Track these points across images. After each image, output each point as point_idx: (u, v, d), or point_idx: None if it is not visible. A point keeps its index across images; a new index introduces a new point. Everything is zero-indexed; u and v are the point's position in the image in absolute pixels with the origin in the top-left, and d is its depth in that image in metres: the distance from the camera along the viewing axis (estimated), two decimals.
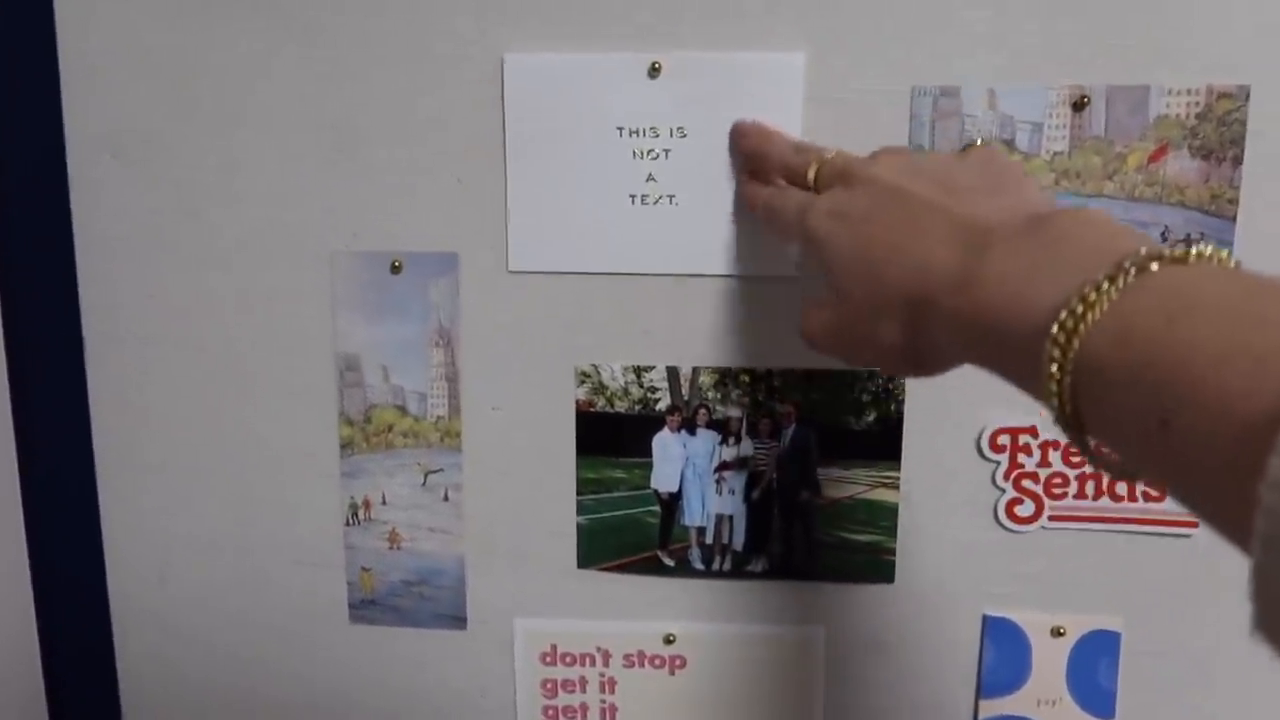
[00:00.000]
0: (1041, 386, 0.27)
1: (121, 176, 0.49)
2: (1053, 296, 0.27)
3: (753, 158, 0.44)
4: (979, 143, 0.44)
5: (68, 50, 0.48)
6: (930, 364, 0.35)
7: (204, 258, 0.49)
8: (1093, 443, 0.28)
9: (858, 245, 0.35)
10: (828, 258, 0.36)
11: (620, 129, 0.45)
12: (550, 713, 0.51)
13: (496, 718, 0.52)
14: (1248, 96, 0.43)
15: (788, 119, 0.45)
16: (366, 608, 0.51)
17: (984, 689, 0.49)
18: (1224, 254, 0.27)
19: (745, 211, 0.45)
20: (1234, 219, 0.44)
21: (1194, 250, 0.27)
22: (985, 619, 0.49)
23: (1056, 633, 0.48)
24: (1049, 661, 0.48)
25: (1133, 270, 0.26)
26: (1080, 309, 0.26)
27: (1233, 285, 0.25)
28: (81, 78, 0.48)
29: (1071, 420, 0.27)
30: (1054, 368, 0.27)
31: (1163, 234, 0.45)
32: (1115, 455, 0.27)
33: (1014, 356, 0.29)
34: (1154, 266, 0.26)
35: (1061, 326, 0.26)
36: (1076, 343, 0.26)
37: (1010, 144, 0.44)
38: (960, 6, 0.43)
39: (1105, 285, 0.26)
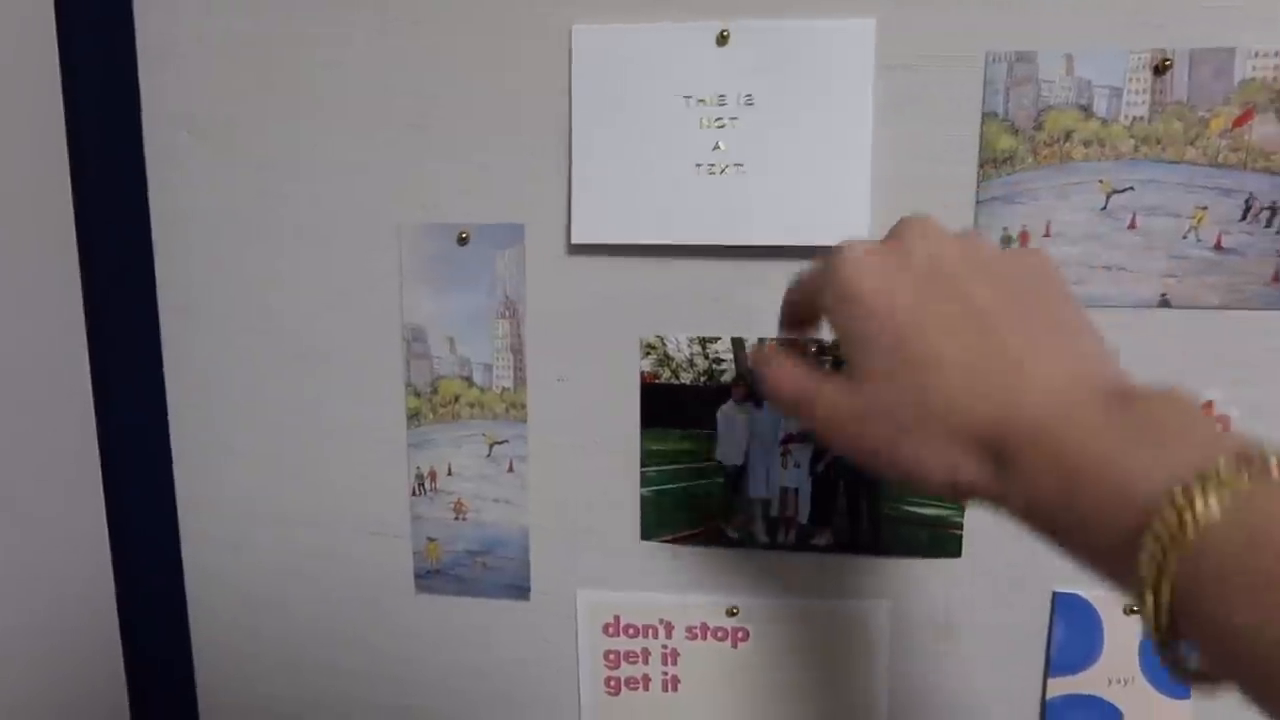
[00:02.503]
0: (1135, 577, 0.24)
1: (196, 153, 0.50)
2: (1160, 482, 0.24)
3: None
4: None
5: (145, 28, 0.49)
6: (978, 499, 0.30)
7: (275, 232, 0.50)
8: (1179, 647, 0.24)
9: (922, 337, 0.30)
10: (869, 329, 0.31)
11: (687, 98, 0.45)
12: (613, 684, 0.52)
13: (559, 688, 0.52)
14: None
15: (858, 87, 0.44)
16: (432, 578, 0.52)
17: (1053, 667, 0.48)
18: None
19: (814, 178, 0.44)
20: None
21: None
22: (1055, 595, 0.48)
23: (1129, 610, 0.47)
24: (1121, 640, 0.48)
25: (1259, 463, 0.23)
26: (1196, 505, 0.23)
27: None
28: (158, 56, 0.49)
29: (1165, 618, 0.24)
30: (1153, 561, 0.23)
31: (1247, 200, 0.43)
32: (1202, 659, 0.24)
33: (1100, 537, 0.26)
34: (1276, 463, 0.23)
35: (1177, 512, 0.23)
36: (1178, 545, 0.23)
37: (1088, 109, 0.43)
38: None
39: (1221, 478, 0.23)
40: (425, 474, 0.51)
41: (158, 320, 0.52)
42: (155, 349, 0.52)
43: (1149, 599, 0.24)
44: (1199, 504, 0.23)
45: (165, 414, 0.53)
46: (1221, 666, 0.24)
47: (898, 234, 0.33)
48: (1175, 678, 0.25)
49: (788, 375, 0.35)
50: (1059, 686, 0.48)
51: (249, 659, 0.55)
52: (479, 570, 0.52)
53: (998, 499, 0.29)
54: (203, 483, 0.54)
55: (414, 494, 0.51)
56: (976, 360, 0.29)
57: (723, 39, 0.44)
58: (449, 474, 0.51)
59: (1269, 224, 0.44)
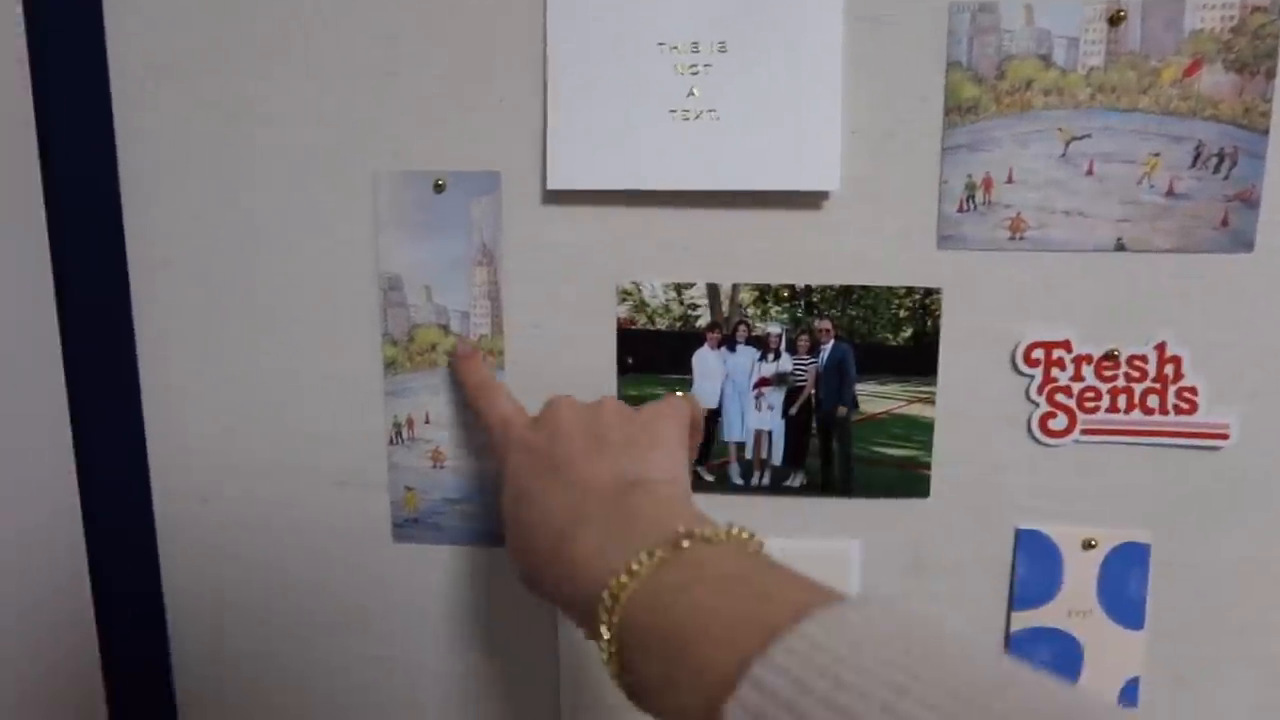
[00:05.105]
0: (601, 646, 0.31)
1: (164, 100, 0.50)
2: (614, 567, 0.32)
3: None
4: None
5: None
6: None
7: (247, 180, 0.50)
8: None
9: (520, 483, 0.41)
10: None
11: (661, 44, 0.46)
12: None
13: (538, 635, 0.53)
14: None
15: (828, 36, 0.45)
16: (410, 526, 0.52)
17: (1016, 600, 0.50)
18: (748, 534, 0.33)
19: (786, 125, 0.46)
20: (1266, 132, 0.45)
21: (727, 531, 0.33)
22: (1018, 532, 0.50)
23: (1087, 545, 0.49)
24: (1080, 574, 0.50)
25: (668, 545, 0.32)
26: (625, 579, 0.31)
27: (743, 562, 0.32)
28: (124, 2, 0.49)
29: (622, 680, 0.31)
30: (604, 630, 0.31)
31: (1196, 148, 0.45)
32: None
33: (585, 618, 0.33)
34: (685, 544, 0.32)
35: (611, 593, 0.31)
36: (618, 610, 0.31)
37: (1048, 59, 0.45)
38: None
39: (645, 558, 0.31)
40: (403, 422, 0.51)
41: (127, 271, 0.52)
42: (125, 300, 0.52)
43: (608, 665, 0.31)
44: (625, 585, 0.31)
45: (135, 366, 0.52)
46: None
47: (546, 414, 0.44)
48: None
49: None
50: (1022, 620, 0.50)
51: (223, 612, 0.55)
52: (457, 518, 0.52)
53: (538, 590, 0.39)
54: (175, 435, 0.53)
55: (391, 443, 0.52)
56: (557, 514, 0.38)
57: None
58: (426, 422, 0.51)
59: (1217, 170, 0.46)
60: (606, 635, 0.31)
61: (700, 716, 0.27)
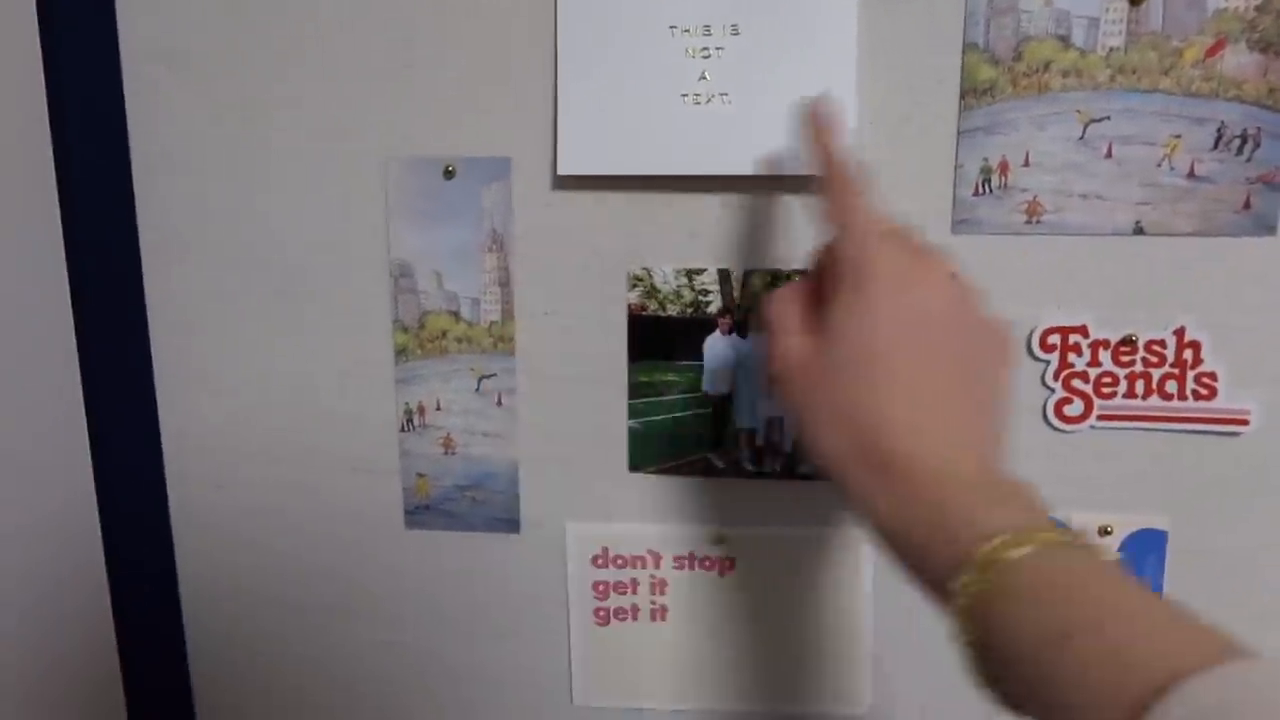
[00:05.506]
0: (951, 592, 0.32)
1: (177, 90, 0.50)
2: (991, 528, 0.32)
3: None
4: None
5: None
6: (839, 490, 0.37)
7: (258, 167, 0.50)
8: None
9: (890, 340, 0.36)
10: (859, 308, 0.36)
11: (673, 27, 0.45)
12: (602, 614, 0.53)
13: (549, 620, 0.53)
14: None
15: (842, 17, 0.44)
16: (422, 513, 0.53)
17: None
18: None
19: (797, 108, 0.45)
20: None
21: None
22: None
23: (1104, 531, 0.49)
24: None
25: (1065, 534, 0.32)
26: (1012, 544, 0.31)
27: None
28: None
29: (971, 632, 0.31)
30: (970, 579, 0.31)
31: (1219, 129, 0.44)
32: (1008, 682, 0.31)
33: (938, 558, 0.33)
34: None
35: (994, 549, 0.31)
36: (1001, 559, 0.31)
37: (1066, 40, 0.44)
38: None
39: (1036, 533, 0.31)
40: (414, 409, 0.51)
41: (140, 259, 0.52)
42: (138, 288, 0.52)
43: (959, 606, 0.31)
44: (1012, 547, 0.31)
45: (149, 353, 0.53)
46: (1007, 674, 0.30)
47: (930, 253, 0.38)
48: (987, 697, 0.32)
49: (780, 297, 0.40)
50: None
51: (237, 597, 0.55)
52: (468, 505, 0.52)
53: (862, 502, 0.36)
54: (189, 422, 0.53)
55: (403, 430, 0.52)
56: (909, 394, 0.36)
57: None
58: (437, 409, 0.51)
59: (1239, 152, 0.45)
60: (965, 589, 0.31)
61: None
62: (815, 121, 0.41)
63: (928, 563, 0.34)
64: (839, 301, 0.37)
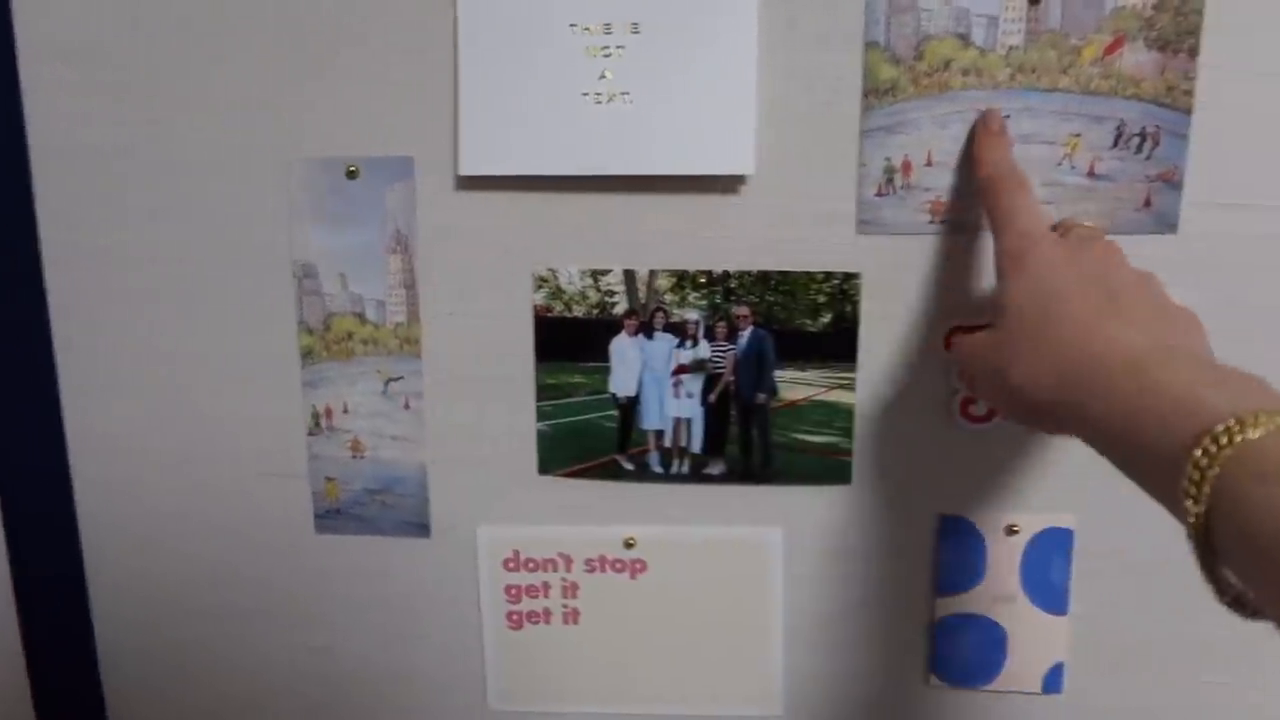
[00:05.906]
0: (1181, 480, 0.29)
1: (75, 85, 0.49)
2: (1220, 409, 0.29)
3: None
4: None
5: None
6: (1049, 427, 0.39)
7: (159, 167, 0.49)
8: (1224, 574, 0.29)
9: (1063, 292, 0.37)
10: (1021, 285, 0.38)
11: (573, 25, 0.45)
12: (514, 618, 0.52)
13: (462, 624, 0.53)
14: None
15: (742, 16, 0.44)
16: (332, 517, 0.52)
17: (940, 587, 0.50)
18: None
19: (700, 107, 0.45)
20: (1189, 111, 0.44)
21: None
22: (940, 518, 0.49)
23: (1010, 531, 0.49)
24: (1003, 559, 0.49)
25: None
26: (1247, 424, 0.28)
27: None
28: None
29: (1203, 521, 0.29)
30: (1201, 462, 0.28)
31: (1118, 128, 0.44)
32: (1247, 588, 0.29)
33: (1162, 447, 0.31)
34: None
35: (1228, 430, 0.28)
36: (1235, 444, 0.28)
37: (966, 38, 0.44)
38: None
39: (1272, 413, 0.28)
40: (321, 412, 0.51)
41: (40, 259, 0.51)
42: (39, 289, 0.51)
43: (1190, 492, 0.28)
44: (1247, 427, 0.28)
45: (51, 356, 0.52)
46: (1246, 569, 0.28)
47: (1098, 236, 0.41)
48: (1225, 601, 0.30)
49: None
50: (945, 606, 0.50)
51: (148, 603, 0.54)
52: (378, 508, 0.51)
53: (1079, 421, 0.35)
54: (94, 425, 0.53)
55: (310, 433, 0.51)
56: (1098, 309, 0.36)
57: None
58: (345, 412, 0.50)
59: (1139, 150, 0.45)
60: (1198, 474, 0.28)
61: None
62: (987, 132, 0.44)
63: (1160, 452, 0.31)
64: (1006, 282, 0.39)
